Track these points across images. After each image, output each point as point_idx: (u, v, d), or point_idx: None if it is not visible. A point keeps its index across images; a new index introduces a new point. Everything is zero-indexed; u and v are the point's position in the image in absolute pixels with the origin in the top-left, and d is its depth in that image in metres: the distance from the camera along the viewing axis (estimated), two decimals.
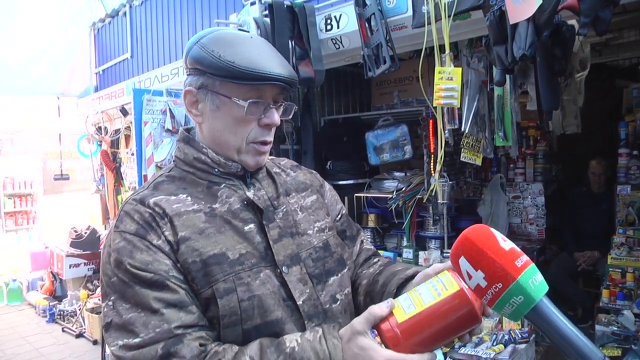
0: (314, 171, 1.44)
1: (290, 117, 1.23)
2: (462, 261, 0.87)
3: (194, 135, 1.21)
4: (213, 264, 1.05)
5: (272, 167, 1.30)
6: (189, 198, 1.12)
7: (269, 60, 1.11)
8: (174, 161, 1.23)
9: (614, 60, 5.10)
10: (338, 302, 1.19)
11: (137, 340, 0.98)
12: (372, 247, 1.48)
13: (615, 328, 3.37)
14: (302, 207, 1.26)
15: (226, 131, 1.14)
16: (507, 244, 0.86)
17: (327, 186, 1.44)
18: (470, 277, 0.86)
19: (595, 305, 3.96)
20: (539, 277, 0.83)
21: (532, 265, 0.84)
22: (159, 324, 0.98)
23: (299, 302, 1.11)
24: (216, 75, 1.09)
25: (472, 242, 0.86)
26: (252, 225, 1.14)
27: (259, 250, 1.11)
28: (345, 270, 1.25)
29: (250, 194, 1.16)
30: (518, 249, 0.86)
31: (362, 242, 1.45)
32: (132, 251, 1.03)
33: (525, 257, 0.84)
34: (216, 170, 1.16)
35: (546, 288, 0.84)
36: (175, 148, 1.23)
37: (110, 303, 1.03)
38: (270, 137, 1.18)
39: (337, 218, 1.39)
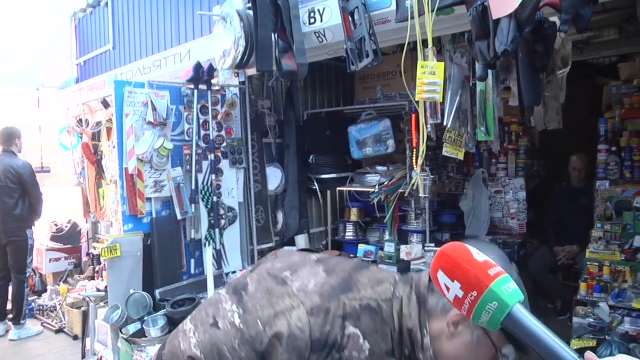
0: None
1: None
2: (440, 274, 0.93)
3: (430, 305, 1.14)
4: None
5: None
6: (367, 351, 1.08)
7: None
8: (395, 297, 1.16)
9: (594, 58, 5.16)
10: None
11: None
12: None
13: (592, 320, 3.44)
14: None
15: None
16: (481, 257, 0.91)
17: None
18: (448, 289, 0.91)
19: (574, 298, 4.02)
20: (512, 285, 0.88)
21: (506, 274, 0.89)
22: None
23: None
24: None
25: (448, 255, 0.93)
26: None
27: None
28: None
29: None
30: (492, 262, 0.91)
31: None
32: (295, 349, 1.04)
33: (499, 268, 0.90)
34: (408, 352, 1.13)
35: (521, 296, 0.88)
36: (408, 292, 1.15)
37: (236, 322, 1.09)
38: None
39: None
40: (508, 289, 0.86)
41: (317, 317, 1.07)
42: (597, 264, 3.92)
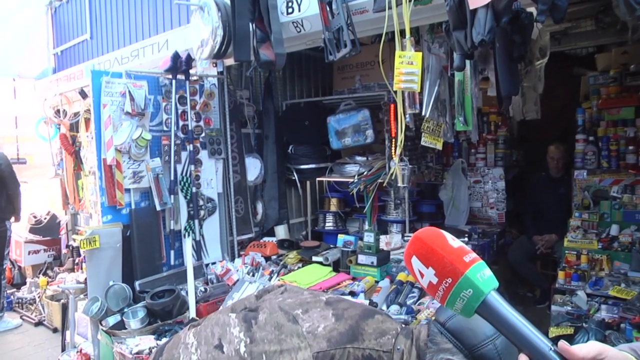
0: None
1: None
2: (414, 260, 0.91)
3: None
4: None
5: None
6: None
7: None
8: (397, 352, 1.18)
9: (572, 48, 5.22)
10: None
11: None
12: None
13: (570, 308, 3.49)
14: None
15: None
16: (455, 242, 0.90)
17: None
18: (422, 275, 0.90)
19: (552, 287, 4.07)
20: (487, 272, 0.87)
21: (481, 261, 0.88)
22: None
23: None
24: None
25: (422, 241, 0.91)
26: None
27: None
28: None
29: None
30: (467, 247, 0.90)
31: None
32: None
33: (473, 255, 0.89)
34: None
35: (496, 283, 0.87)
36: (407, 343, 1.18)
37: (242, 351, 1.10)
38: None
39: None
40: (483, 276, 0.85)
41: None
42: (575, 253, 3.98)
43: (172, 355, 1.25)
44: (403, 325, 1.24)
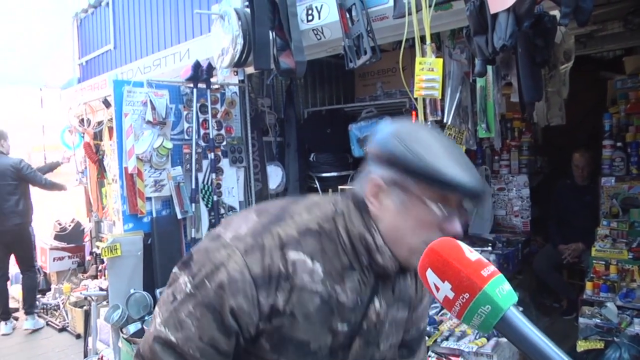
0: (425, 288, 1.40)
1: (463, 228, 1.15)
2: (429, 273, 0.86)
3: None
4: (293, 344, 1.08)
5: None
6: (321, 273, 1.08)
7: (466, 170, 1.06)
8: (335, 212, 1.13)
9: (598, 52, 5.09)
10: None
11: (172, 339, 1.05)
12: None
13: (599, 320, 3.36)
14: (392, 321, 1.22)
15: (406, 230, 1.08)
16: (473, 255, 0.85)
17: (425, 301, 1.37)
18: (437, 289, 0.85)
19: (579, 298, 3.96)
20: (506, 286, 0.82)
21: (500, 275, 0.83)
22: (195, 350, 1.04)
23: None
24: (415, 175, 1.04)
25: (437, 253, 0.86)
26: (345, 326, 1.12)
27: (334, 345, 1.12)
28: None
29: (376, 306, 1.15)
30: (485, 260, 0.85)
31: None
32: (239, 291, 1.03)
33: (492, 267, 0.83)
34: (366, 261, 1.11)
35: (515, 298, 0.82)
36: (345, 202, 1.14)
37: (188, 290, 1.06)
38: None
39: (412, 331, 1.36)
40: (502, 291, 0.81)
41: (252, 256, 1.04)
42: (604, 263, 3.85)
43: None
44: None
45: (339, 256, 1.10)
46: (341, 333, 1.11)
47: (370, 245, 1.09)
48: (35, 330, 5.65)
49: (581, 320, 3.47)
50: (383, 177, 1.08)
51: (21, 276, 5.88)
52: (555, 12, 2.71)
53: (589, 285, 3.77)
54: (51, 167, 6.21)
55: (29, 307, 5.71)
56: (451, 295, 0.83)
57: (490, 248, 4.19)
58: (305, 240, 1.09)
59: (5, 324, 5.61)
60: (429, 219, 1.06)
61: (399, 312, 1.24)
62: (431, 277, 0.86)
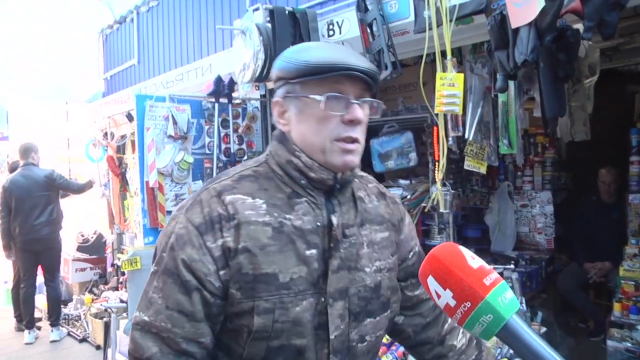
0: (399, 201, 1.39)
1: (379, 115, 1.20)
2: (430, 280, 0.86)
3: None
4: (262, 281, 1.07)
5: (358, 190, 1.26)
6: (264, 206, 1.12)
7: (346, 55, 1.11)
8: (266, 156, 1.21)
9: (625, 65, 4.99)
10: (365, 343, 1.18)
11: (145, 318, 1.09)
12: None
13: (630, 344, 3.25)
14: (370, 242, 1.23)
15: (310, 132, 1.13)
16: (475, 262, 0.84)
17: (407, 220, 1.38)
18: (439, 296, 0.84)
19: (607, 319, 3.84)
20: (509, 294, 0.82)
21: (502, 282, 0.82)
22: (165, 321, 1.07)
23: (332, 337, 1.12)
24: (295, 78, 1.11)
25: (439, 260, 0.85)
26: (314, 251, 1.12)
27: (312, 276, 1.11)
28: (385, 314, 1.23)
29: (334, 219, 1.14)
30: (488, 267, 0.84)
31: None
32: (186, 243, 1.08)
33: (495, 275, 0.83)
34: (304, 181, 1.14)
35: (517, 306, 0.82)
36: (271, 144, 1.22)
37: (152, 270, 1.13)
38: (355, 134, 1.13)
39: (409, 256, 1.35)
40: (504, 300, 0.80)
41: (191, 211, 1.11)
42: (633, 283, 3.74)
43: None
44: None
45: (281, 188, 1.15)
46: (311, 258, 1.11)
47: (299, 166, 1.14)
48: (56, 340, 5.70)
49: (609, 343, 3.37)
50: (279, 95, 1.17)
51: (45, 287, 5.96)
52: (579, 26, 2.68)
53: (617, 306, 3.67)
54: (87, 186, 6.28)
55: (55, 319, 5.78)
56: (452, 303, 0.82)
57: (512, 266, 4.09)
58: (240, 184, 1.14)
59: (29, 332, 5.68)
60: (322, 112, 1.10)
61: (377, 233, 1.25)
62: (432, 284, 0.85)
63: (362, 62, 1.11)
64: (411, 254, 1.35)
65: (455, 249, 0.87)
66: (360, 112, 1.12)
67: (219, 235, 1.07)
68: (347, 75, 1.09)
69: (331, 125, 1.11)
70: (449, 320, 1.36)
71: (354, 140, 1.13)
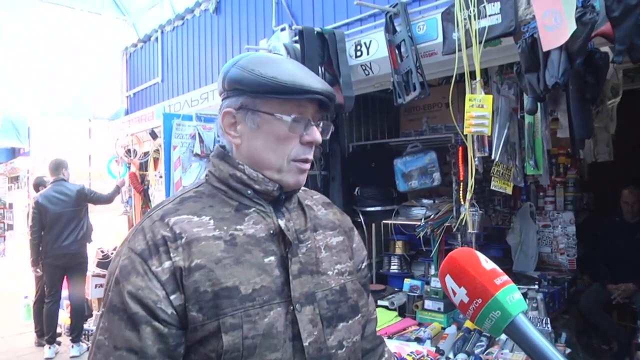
0: (345, 213, 1.40)
1: (328, 137, 1.20)
2: (448, 279, 0.96)
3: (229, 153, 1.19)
4: (224, 297, 1.02)
5: (305, 199, 1.27)
6: (212, 221, 1.09)
7: (308, 76, 1.11)
8: (205, 176, 1.20)
9: None
10: (344, 349, 1.15)
11: None
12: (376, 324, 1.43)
13: None
14: (326, 246, 1.23)
15: (267, 150, 1.12)
16: (489, 264, 0.94)
17: (356, 232, 1.40)
18: (454, 293, 0.95)
19: (634, 342, 3.81)
20: (517, 295, 0.91)
21: (512, 284, 0.92)
22: None
23: (305, 344, 1.08)
24: (258, 92, 1.09)
25: (456, 261, 0.95)
26: (272, 258, 1.10)
27: (275, 284, 1.08)
28: (357, 318, 1.21)
29: (282, 223, 1.13)
30: (499, 270, 0.94)
31: (373, 312, 1.40)
32: (130, 272, 1.02)
33: (505, 277, 0.92)
34: (249, 192, 1.13)
35: (524, 306, 0.91)
36: (209, 164, 1.21)
37: (100, 312, 1.07)
38: (310, 155, 1.15)
39: (362, 267, 1.35)
40: (512, 299, 0.89)
41: (133, 240, 1.06)
42: None
43: None
44: None
45: (227, 203, 1.13)
46: (271, 266, 1.09)
47: (242, 178, 1.13)
48: (76, 356, 5.73)
49: None
50: (231, 105, 1.13)
51: (69, 302, 6.01)
52: (607, 49, 2.70)
53: None
54: (116, 192, 6.35)
55: (78, 334, 5.84)
56: (466, 299, 0.92)
57: (536, 286, 4.08)
58: (183, 205, 1.11)
59: (49, 347, 5.71)
60: (284, 132, 1.10)
61: (332, 238, 1.25)
62: (449, 282, 0.95)
63: (322, 85, 1.11)
64: (363, 264, 1.35)
65: (471, 252, 0.97)
66: (319, 134, 1.14)
67: (165, 258, 1.02)
68: (310, 98, 1.09)
69: (290, 145, 1.12)
70: (386, 356, 1.38)
71: (308, 161, 1.15)
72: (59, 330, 6.29)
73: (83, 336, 6.11)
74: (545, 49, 2.38)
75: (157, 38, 6.35)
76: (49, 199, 5.69)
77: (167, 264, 1.02)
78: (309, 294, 1.12)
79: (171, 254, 1.03)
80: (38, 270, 5.83)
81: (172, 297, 1.01)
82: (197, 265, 1.03)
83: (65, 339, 6.10)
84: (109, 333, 1.01)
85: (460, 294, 0.93)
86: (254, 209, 1.13)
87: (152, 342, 1.00)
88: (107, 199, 6.15)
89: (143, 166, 5.96)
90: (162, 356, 1.01)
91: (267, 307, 1.05)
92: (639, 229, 4.83)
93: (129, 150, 5.96)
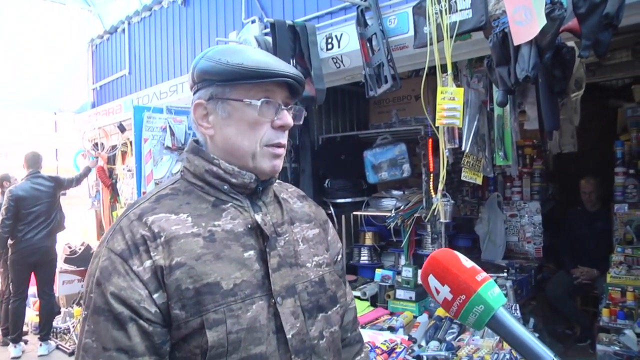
0: (319, 206, 1.41)
1: (301, 122, 1.22)
2: (431, 278, 1.00)
3: (203, 147, 1.19)
4: (206, 293, 1.03)
5: (280, 192, 1.28)
6: (190, 218, 1.09)
7: (275, 61, 1.13)
8: (181, 172, 1.20)
9: (607, 80, 5.16)
10: (324, 340, 1.18)
11: None
12: (356, 315, 1.46)
13: (617, 348, 3.36)
14: (304, 239, 1.24)
15: (239, 137, 1.12)
16: (468, 263, 0.99)
17: (331, 224, 1.41)
18: (438, 292, 0.99)
19: (595, 324, 3.95)
20: (496, 290, 0.96)
21: (491, 280, 0.97)
22: None
23: (288, 336, 1.10)
24: (226, 80, 1.10)
25: (438, 261, 1.00)
26: (252, 252, 1.11)
27: (256, 278, 1.09)
28: (335, 308, 1.23)
29: (258, 217, 1.14)
30: (478, 268, 0.99)
31: (351, 301, 1.43)
32: (111, 274, 1.02)
33: (484, 274, 0.97)
34: (226, 187, 1.13)
35: (504, 300, 0.96)
36: (184, 160, 1.20)
37: (84, 315, 1.06)
38: (284, 140, 1.16)
39: (338, 259, 1.37)
40: (493, 294, 0.94)
41: (112, 240, 1.06)
42: (620, 289, 3.86)
43: None
44: None
45: (204, 199, 1.13)
46: (250, 260, 1.10)
47: (218, 173, 1.13)
48: (44, 355, 5.62)
49: (599, 347, 3.46)
50: (202, 97, 1.14)
51: (38, 300, 5.88)
52: (572, 43, 2.78)
53: (605, 311, 3.77)
54: (85, 174, 6.21)
55: (47, 333, 5.71)
56: (450, 297, 0.97)
57: (505, 274, 4.19)
58: (160, 204, 1.11)
59: (15, 346, 5.57)
60: (254, 117, 1.11)
61: (308, 230, 1.27)
62: (432, 281, 1.00)
63: (291, 69, 1.13)
64: (339, 257, 1.38)
65: (451, 252, 1.02)
66: (290, 118, 1.15)
67: (146, 257, 1.03)
68: (277, 82, 1.11)
69: (262, 130, 1.13)
70: (362, 355, 1.41)
71: (282, 146, 1.16)
72: (25, 328, 6.17)
73: (52, 334, 6.01)
74: (516, 43, 2.43)
75: (123, 29, 6.23)
76: (27, 191, 5.53)
77: (147, 263, 1.02)
78: (290, 286, 1.13)
79: (151, 253, 1.03)
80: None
81: (154, 296, 1.02)
82: (178, 263, 1.03)
83: (32, 338, 5.97)
84: (96, 335, 1.01)
85: (443, 292, 0.97)
86: (230, 203, 1.14)
87: (140, 340, 1.00)
88: (77, 179, 6.03)
89: (111, 160, 5.87)
90: (150, 353, 1.01)
91: (249, 301, 1.06)
92: (599, 218, 4.99)
93: (96, 144, 5.85)
